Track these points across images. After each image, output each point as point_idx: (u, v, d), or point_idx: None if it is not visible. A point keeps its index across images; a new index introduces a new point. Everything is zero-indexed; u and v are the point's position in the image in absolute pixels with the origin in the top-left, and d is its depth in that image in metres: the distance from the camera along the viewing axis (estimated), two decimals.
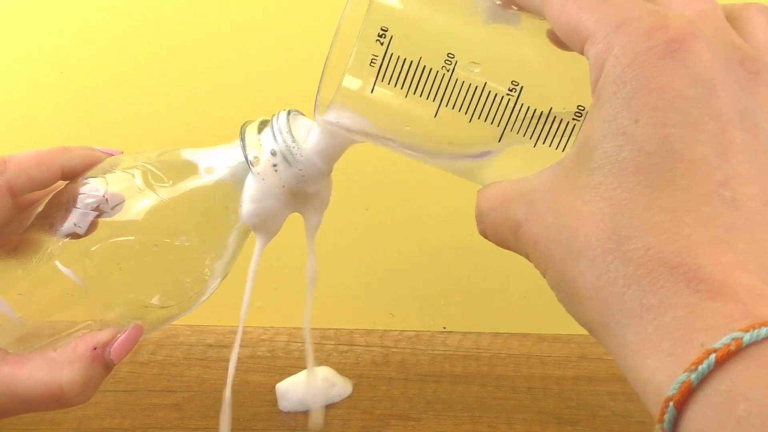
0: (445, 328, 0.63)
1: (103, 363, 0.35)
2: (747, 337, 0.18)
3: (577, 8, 0.23)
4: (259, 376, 0.55)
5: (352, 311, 0.63)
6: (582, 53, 0.24)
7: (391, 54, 0.28)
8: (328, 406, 0.51)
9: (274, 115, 0.35)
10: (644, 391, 0.21)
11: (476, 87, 0.28)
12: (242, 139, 0.36)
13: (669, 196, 0.21)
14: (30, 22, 0.57)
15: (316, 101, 0.30)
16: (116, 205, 0.35)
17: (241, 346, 0.60)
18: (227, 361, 0.57)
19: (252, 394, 0.52)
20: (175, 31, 0.57)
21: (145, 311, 0.36)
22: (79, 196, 0.35)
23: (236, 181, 0.36)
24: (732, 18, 0.25)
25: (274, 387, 0.52)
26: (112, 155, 0.38)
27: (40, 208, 0.37)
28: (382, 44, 0.27)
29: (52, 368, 0.34)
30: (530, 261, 0.25)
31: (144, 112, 0.59)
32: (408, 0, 0.28)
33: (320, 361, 0.57)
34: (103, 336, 0.35)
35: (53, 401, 0.34)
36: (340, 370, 0.54)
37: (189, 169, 0.36)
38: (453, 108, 0.28)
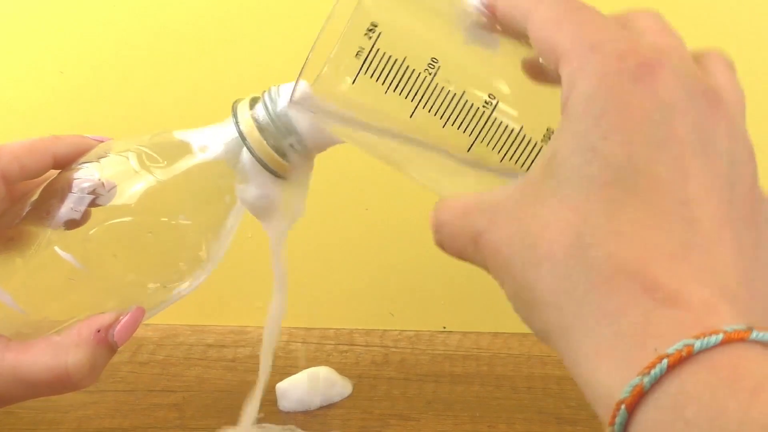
0: (445, 327, 0.63)
1: (107, 345, 0.35)
2: (698, 344, 0.19)
3: (556, 27, 0.25)
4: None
5: (352, 311, 0.63)
6: (557, 70, 0.25)
7: (378, 49, 0.28)
8: (328, 406, 0.51)
9: (264, 91, 0.36)
10: (595, 395, 0.22)
11: (455, 94, 0.28)
12: (234, 115, 0.36)
13: (633, 209, 0.22)
14: (30, 21, 0.58)
15: (295, 86, 0.31)
16: (112, 188, 0.35)
17: (240, 346, 0.60)
18: (227, 360, 0.57)
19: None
20: (175, 31, 0.57)
21: (144, 293, 0.36)
22: (75, 181, 0.35)
23: (230, 158, 0.36)
24: (695, 60, 0.26)
25: (274, 387, 0.52)
26: (103, 142, 0.38)
27: (34, 197, 0.37)
28: (370, 38, 0.28)
29: (57, 352, 0.34)
30: (489, 271, 0.26)
31: (144, 111, 0.59)
32: (399, 3, 0.29)
33: (320, 361, 0.57)
34: (106, 318, 0.35)
35: (59, 385, 0.34)
36: (340, 370, 0.54)
37: (183, 148, 0.37)
38: (429, 111, 0.29)
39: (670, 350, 0.19)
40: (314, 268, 0.62)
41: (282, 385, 0.51)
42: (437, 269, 0.61)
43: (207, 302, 0.63)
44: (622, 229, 0.22)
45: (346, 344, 0.60)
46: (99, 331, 0.35)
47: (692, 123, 0.23)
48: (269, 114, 0.35)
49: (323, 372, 0.53)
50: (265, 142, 0.35)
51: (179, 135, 0.37)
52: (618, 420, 0.20)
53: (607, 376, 0.21)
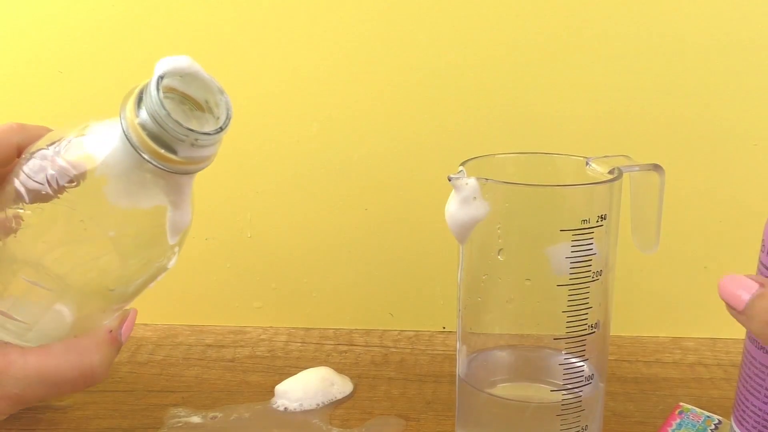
0: (444, 328, 0.63)
1: (117, 343, 0.41)
2: None
3: None
4: (258, 376, 0.55)
5: (352, 311, 0.63)
6: None
7: None
8: (328, 406, 0.51)
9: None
10: None
11: None
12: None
13: None
14: (29, 20, 0.57)
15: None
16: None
17: (239, 346, 0.60)
18: (226, 361, 0.57)
19: (251, 394, 0.52)
20: (175, 31, 0.57)
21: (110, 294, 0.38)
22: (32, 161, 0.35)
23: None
24: None
25: (273, 387, 0.52)
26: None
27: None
28: None
29: (81, 352, 0.38)
30: None
31: None
32: None
33: (320, 362, 0.57)
34: (113, 322, 0.41)
35: (82, 382, 0.39)
36: (340, 370, 0.54)
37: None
38: None
39: None
40: (314, 268, 0.62)
41: (281, 386, 0.51)
42: (437, 269, 0.61)
43: (206, 302, 0.63)
44: None
45: (346, 344, 0.60)
46: (111, 332, 0.40)
47: None
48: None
49: (323, 372, 0.53)
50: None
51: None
52: None
53: None
